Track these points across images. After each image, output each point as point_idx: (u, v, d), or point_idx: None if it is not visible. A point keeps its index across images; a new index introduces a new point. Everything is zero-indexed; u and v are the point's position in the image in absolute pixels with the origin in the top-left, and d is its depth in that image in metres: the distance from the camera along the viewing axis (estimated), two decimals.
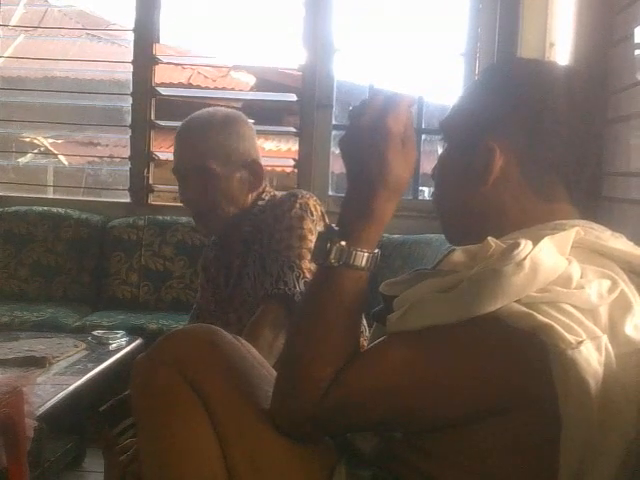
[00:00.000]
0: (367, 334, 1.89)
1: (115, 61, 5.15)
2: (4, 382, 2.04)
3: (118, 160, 5.37)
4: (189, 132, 2.15)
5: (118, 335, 3.00)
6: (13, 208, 4.30)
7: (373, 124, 1.19)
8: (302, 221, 2.05)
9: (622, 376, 1.10)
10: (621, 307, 1.13)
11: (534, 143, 1.27)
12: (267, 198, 2.18)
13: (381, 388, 1.17)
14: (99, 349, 2.86)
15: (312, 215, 2.07)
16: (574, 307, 1.10)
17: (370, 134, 1.19)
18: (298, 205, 2.07)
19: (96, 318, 3.78)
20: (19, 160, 5.31)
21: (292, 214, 2.06)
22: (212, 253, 2.30)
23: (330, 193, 4.30)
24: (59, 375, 2.47)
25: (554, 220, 1.25)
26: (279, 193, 2.20)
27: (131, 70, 4.42)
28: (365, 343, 1.59)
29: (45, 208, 4.32)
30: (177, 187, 2.21)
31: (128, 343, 2.99)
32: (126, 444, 1.60)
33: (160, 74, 4.72)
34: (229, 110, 2.24)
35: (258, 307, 2.03)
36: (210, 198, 2.11)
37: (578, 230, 1.21)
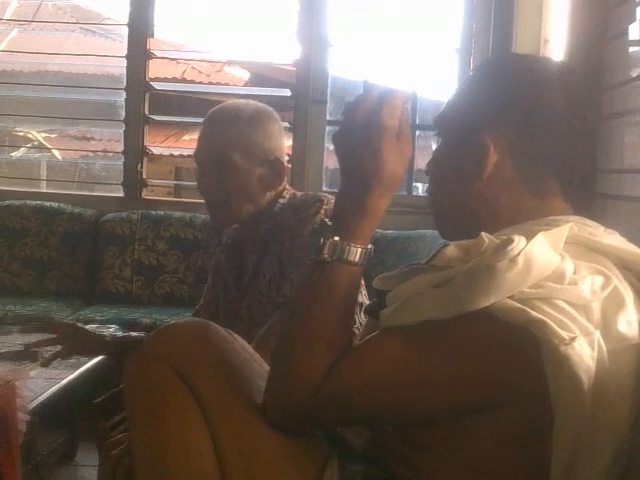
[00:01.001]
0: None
1: (109, 55, 5.13)
2: None
3: (112, 154, 5.37)
4: (216, 121, 2.10)
5: (111, 329, 2.99)
6: (6, 202, 4.29)
7: (368, 119, 1.19)
8: None
9: (615, 372, 1.10)
10: (614, 303, 1.14)
11: (528, 139, 1.27)
12: (288, 197, 2.13)
13: (374, 383, 1.17)
14: None
15: None
16: (567, 303, 1.10)
17: (365, 129, 1.19)
18: (323, 211, 2.03)
19: (89, 312, 3.78)
20: (12, 154, 5.33)
21: (317, 220, 2.01)
22: (224, 255, 2.25)
23: (324, 189, 4.29)
24: (52, 369, 2.46)
25: (548, 216, 1.26)
26: (299, 193, 2.16)
27: (125, 65, 4.41)
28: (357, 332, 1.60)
29: (38, 202, 4.31)
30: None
31: None
32: (118, 438, 1.60)
33: (154, 69, 4.71)
34: (261, 105, 2.17)
35: (273, 308, 2.01)
36: (226, 189, 2.06)
37: (571, 226, 1.21)
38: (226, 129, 2.07)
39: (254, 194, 2.08)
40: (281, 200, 2.11)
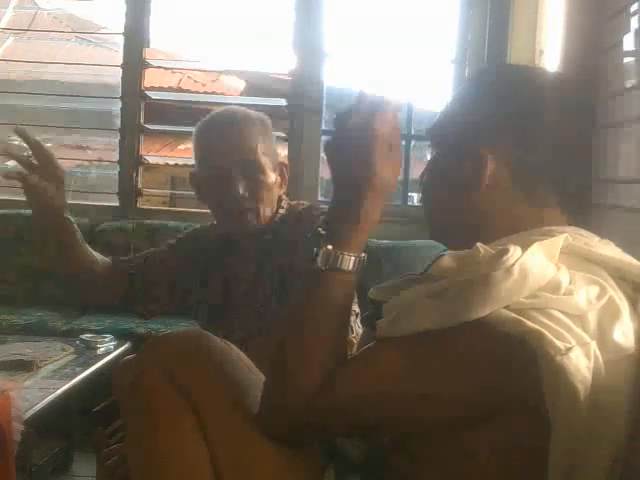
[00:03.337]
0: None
1: (105, 64, 5.14)
2: None
3: (107, 164, 5.36)
4: (235, 127, 2.03)
5: (106, 339, 2.99)
6: (1, 211, 4.29)
7: (359, 127, 1.20)
8: None
9: (611, 383, 1.10)
10: (610, 313, 1.14)
11: (524, 149, 1.27)
12: (285, 207, 2.11)
13: (370, 393, 1.17)
14: (87, 353, 2.85)
15: None
16: (563, 313, 1.10)
17: (356, 138, 1.20)
18: None
19: (84, 322, 3.77)
20: (7, 163, 5.30)
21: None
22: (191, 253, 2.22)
23: (319, 198, 4.30)
24: (47, 379, 2.46)
25: (543, 226, 1.26)
26: (293, 202, 2.14)
27: (121, 74, 4.42)
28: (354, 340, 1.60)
29: None
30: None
31: (116, 347, 2.98)
32: (114, 447, 1.59)
33: (150, 78, 4.72)
34: (253, 111, 2.13)
35: (274, 319, 2.00)
36: (258, 193, 2.01)
37: (567, 236, 1.21)
38: (250, 132, 2.03)
39: (273, 198, 2.06)
40: (280, 210, 2.10)
